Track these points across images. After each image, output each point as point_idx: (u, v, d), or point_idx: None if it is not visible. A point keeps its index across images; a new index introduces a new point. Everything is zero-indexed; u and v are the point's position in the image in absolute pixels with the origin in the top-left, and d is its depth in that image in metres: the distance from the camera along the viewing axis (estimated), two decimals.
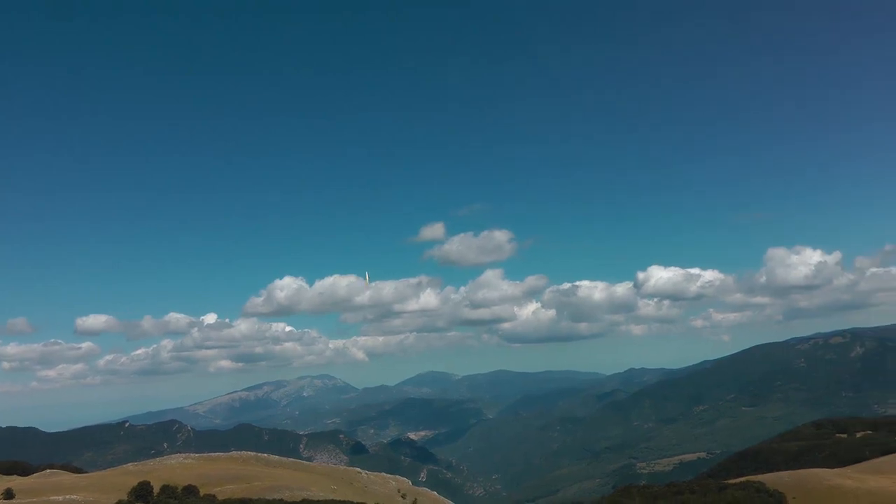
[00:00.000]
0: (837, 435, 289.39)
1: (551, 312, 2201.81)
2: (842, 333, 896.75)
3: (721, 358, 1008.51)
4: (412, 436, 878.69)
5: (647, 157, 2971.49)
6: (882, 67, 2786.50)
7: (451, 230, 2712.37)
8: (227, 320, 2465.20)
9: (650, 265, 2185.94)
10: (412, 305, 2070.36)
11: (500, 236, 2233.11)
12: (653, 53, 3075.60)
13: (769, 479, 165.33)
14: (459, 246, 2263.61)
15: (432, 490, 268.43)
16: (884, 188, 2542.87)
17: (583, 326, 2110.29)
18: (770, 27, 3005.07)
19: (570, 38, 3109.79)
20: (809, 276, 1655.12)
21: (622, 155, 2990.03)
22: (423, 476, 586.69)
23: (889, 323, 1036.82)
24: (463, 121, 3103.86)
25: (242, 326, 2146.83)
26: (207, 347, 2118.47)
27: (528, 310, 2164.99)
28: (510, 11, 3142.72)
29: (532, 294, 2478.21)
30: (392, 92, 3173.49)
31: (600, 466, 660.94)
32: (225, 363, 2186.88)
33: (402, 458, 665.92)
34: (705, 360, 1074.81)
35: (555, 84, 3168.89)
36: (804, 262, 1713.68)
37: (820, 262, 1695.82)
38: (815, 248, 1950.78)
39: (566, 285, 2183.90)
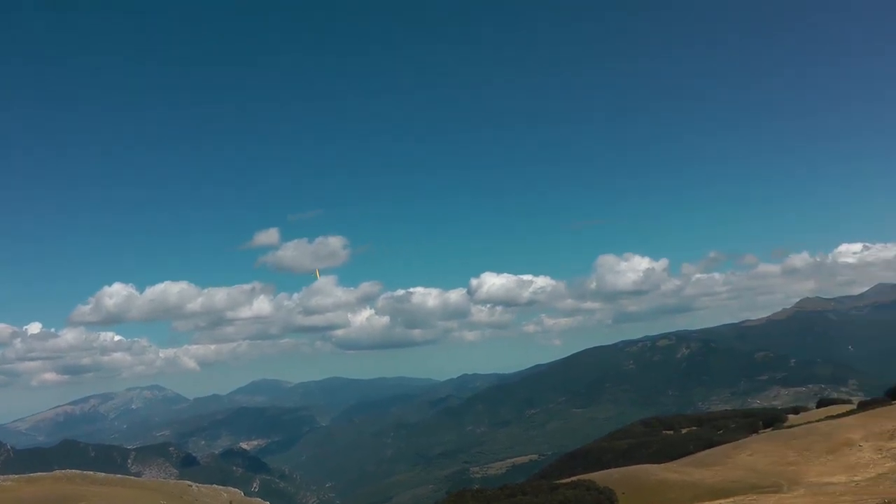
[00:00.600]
0: (664, 432, 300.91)
1: (385, 319, 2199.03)
2: (668, 336, 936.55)
3: (553, 362, 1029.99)
4: (245, 445, 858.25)
5: (478, 163, 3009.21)
6: (703, 82, 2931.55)
7: (286, 236, 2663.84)
8: (52, 330, 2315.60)
9: (483, 272, 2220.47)
10: (245, 312, 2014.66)
11: (335, 242, 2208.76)
12: (484, 53, 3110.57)
13: (599, 476, 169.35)
14: (294, 252, 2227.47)
15: (265, 500, 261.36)
16: (709, 197, 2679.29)
17: (416, 333, 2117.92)
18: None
19: (403, 36, 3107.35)
20: (638, 281, 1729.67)
21: (455, 160, 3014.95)
22: (255, 486, 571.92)
23: (712, 325, 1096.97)
24: (296, 123, 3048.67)
25: (69, 336, 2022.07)
26: (31, 359, 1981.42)
27: (362, 316, 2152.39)
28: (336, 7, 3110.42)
29: (366, 300, 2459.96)
30: (223, 93, 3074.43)
31: (434, 472, 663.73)
32: (49, 375, 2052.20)
33: (235, 468, 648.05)
34: (538, 365, 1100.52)
35: (389, 84, 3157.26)
36: (633, 268, 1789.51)
37: (648, 269, 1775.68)
38: (643, 256, 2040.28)
39: (400, 292, 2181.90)
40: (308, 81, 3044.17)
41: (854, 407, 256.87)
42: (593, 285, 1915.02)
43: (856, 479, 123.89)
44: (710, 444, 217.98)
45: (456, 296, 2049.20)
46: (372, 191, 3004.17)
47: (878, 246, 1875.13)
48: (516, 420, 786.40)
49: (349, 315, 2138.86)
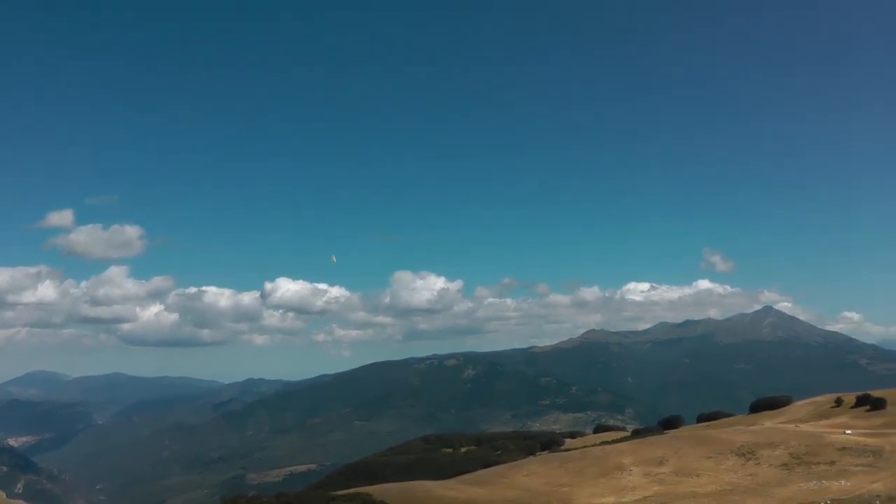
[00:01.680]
0: (444, 450, 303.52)
1: (174, 316, 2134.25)
2: (457, 356, 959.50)
3: (340, 373, 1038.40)
4: (12, 442, 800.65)
5: (276, 171, 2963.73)
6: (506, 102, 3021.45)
7: (81, 219, 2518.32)
8: None
9: (279, 276, 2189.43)
10: (28, 297, 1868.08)
11: (131, 232, 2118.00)
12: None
13: (377, 490, 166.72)
14: (87, 237, 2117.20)
15: (29, 502, 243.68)
16: (508, 224, 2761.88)
17: (205, 333, 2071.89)
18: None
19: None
20: (432, 300, 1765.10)
21: (254, 164, 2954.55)
22: (19, 487, 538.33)
23: (499, 349, 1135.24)
24: (104, 102, 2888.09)
25: None
26: None
27: (151, 311, 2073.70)
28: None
29: (156, 296, 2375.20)
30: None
31: (210, 477, 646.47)
32: None
33: (0, 467, 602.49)
34: (324, 374, 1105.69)
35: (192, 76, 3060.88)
36: (428, 286, 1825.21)
37: (443, 289, 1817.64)
38: (439, 275, 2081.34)
39: (192, 290, 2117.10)
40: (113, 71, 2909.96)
41: (628, 434, 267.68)
42: (387, 300, 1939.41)
43: (624, 500, 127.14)
44: (488, 464, 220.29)
45: (249, 298, 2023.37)
46: (174, 183, 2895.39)
47: (664, 287, 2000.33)
48: (298, 428, 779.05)
49: (137, 309, 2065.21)
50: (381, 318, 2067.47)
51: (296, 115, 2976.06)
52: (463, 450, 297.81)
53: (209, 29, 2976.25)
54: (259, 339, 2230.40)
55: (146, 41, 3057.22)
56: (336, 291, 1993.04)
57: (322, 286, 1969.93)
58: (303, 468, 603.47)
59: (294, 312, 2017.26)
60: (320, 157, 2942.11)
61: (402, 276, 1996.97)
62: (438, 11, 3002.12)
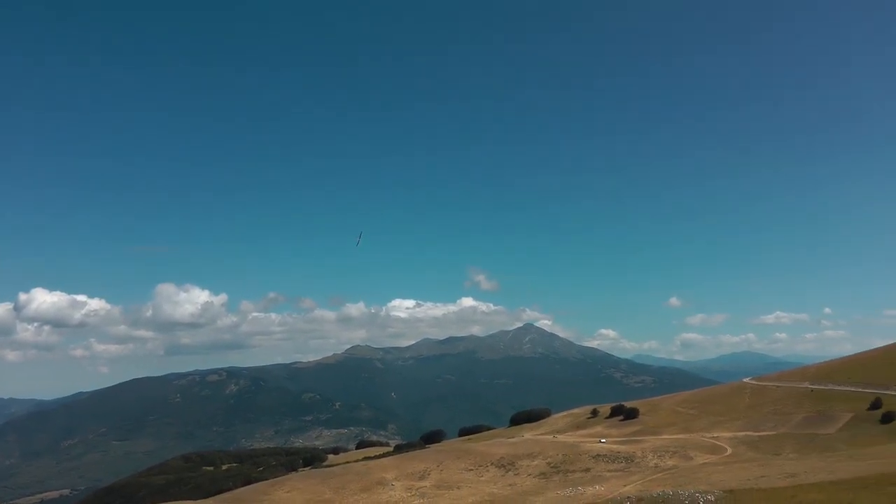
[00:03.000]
0: (205, 468, 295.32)
1: None
2: (219, 371, 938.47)
3: (97, 390, 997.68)
4: None
5: (30, 172, 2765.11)
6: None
7: None
8: None
9: (35, 287, 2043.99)
10: None
11: None
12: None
13: None
14: None
15: None
16: (274, 239, 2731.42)
17: None
18: None
19: None
20: (195, 314, 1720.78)
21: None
22: None
23: (263, 363, 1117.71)
24: None
25: None
26: None
27: None
28: None
29: None
30: None
31: None
32: None
33: None
34: (80, 392, 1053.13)
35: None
36: (191, 300, 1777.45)
37: (206, 302, 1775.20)
38: (203, 289, 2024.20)
39: None
40: None
41: (391, 449, 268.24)
42: (149, 313, 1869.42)
43: None
44: (250, 481, 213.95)
45: (1, 310, 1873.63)
46: None
47: (429, 304, 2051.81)
48: (51, 451, 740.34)
49: None
50: (142, 332, 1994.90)
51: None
52: (224, 467, 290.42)
53: None
54: (11, 355, 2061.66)
55: None
56: (96, 304, 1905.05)
57: (81, 297, 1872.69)
58: (55, 494, 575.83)
59: (50, 325, 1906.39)
60: (74, 153, 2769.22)
61: (165, 289, 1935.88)
62: None
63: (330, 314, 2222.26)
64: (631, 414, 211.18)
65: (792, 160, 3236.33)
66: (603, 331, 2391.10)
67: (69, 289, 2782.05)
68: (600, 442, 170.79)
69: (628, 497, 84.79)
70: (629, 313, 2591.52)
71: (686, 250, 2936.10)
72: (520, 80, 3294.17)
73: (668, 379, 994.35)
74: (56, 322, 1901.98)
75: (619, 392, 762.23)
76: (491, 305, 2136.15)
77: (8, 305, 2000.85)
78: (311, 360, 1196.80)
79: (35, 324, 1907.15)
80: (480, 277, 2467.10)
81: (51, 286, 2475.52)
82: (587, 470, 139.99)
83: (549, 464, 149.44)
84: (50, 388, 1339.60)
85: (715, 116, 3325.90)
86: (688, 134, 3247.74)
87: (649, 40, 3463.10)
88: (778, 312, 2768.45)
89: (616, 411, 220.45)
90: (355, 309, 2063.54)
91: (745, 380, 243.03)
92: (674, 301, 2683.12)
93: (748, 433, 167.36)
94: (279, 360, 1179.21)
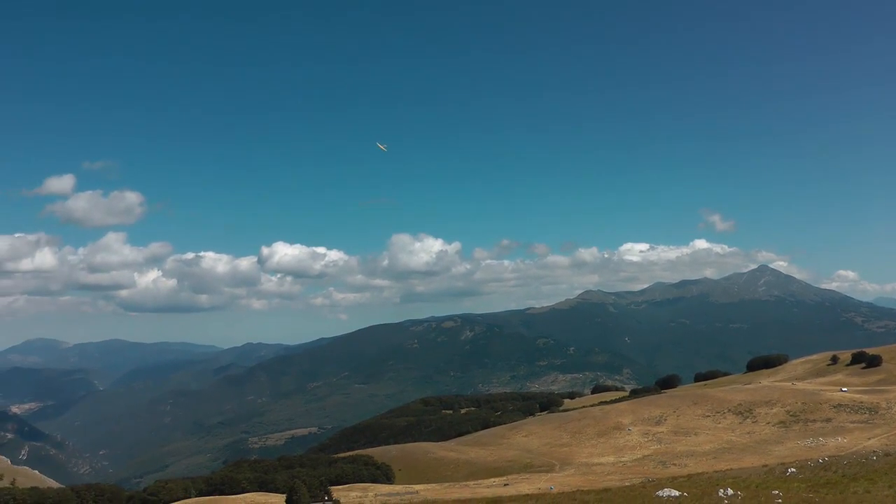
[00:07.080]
0: (444, 411, 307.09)
1: (172, 282, 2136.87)
2: (454, 318, 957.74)
3: (338, 336, 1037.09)
4: (16, 409, 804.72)
5: (272, 137, 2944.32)
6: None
7: (82, 185, 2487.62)
8: None
9: (276, 241, 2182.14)
10: (26, 265, 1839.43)
11: (132, 198, 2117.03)
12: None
13: (377, 452, 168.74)
14: (86, 204, 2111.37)
15: (34, 469, 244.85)
16: (506, 187, 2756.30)
17: (203, 298, 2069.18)
18: None
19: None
20: (430, 262, 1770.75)
21: (250, 131, 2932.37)
22: (24, 454, 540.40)
23: (498, 310, 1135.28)
24: (107, 69, 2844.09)
25: None
26: None
27: (149, 277, 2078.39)
28: None
29: (154, 262, 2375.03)
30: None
31: (212, 441, 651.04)
32: None
33: (4, 434, 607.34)
34: (322, 338, 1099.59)
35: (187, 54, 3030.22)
36: (426, 249, 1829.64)
37: (441, 251, 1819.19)
38: (436, 238, 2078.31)
39: (190, 255, 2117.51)
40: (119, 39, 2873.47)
41: (626, 394, 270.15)
42: (385, 263, 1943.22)
43: (623, 459, 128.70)
44: (488, 425, 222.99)
45: (247, 263, 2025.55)
46: (171, 148, 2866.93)
47: (662, 248, 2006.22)
48: (298, 392, 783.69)
49: (135, 275, 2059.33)
50: (378, 282, 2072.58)
51: (295, 93, 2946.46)
52: (462, 411, 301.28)
53: None
54: (257, 304, 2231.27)
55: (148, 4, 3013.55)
56: (334, 255, 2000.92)
57: (320, 250, 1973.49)
58: (304, 431, 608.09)
59: (292, 277, 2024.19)
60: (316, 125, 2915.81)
61: (400, 239, 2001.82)
62: None
63: (563, 259, 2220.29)
64: (873, 361, 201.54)
65: None
66: (842, 272, 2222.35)
67: (308, 241, 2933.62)
68: (841, 391, 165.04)
69: (874, 451, 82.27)
70: (872, 251, 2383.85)
71: None
72: None
73: None
74: (297, 273, 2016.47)
75: (860, 338, 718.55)
76: (725, 247, 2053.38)
77: (252, 258, 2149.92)
78: (543, 305, 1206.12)
79: (278, 275, 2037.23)
80: (714, 218, 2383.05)
81: (291, 240, 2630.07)
82: (828, 420, 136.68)
83: (788, 412, 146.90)
84: (294, 334, 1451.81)
85: None
86: None
87: None
88: None
89: (857, 358, 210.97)
90: (588, 254, 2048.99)
91: None
92: None
93: None
94: (512, 306, 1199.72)
